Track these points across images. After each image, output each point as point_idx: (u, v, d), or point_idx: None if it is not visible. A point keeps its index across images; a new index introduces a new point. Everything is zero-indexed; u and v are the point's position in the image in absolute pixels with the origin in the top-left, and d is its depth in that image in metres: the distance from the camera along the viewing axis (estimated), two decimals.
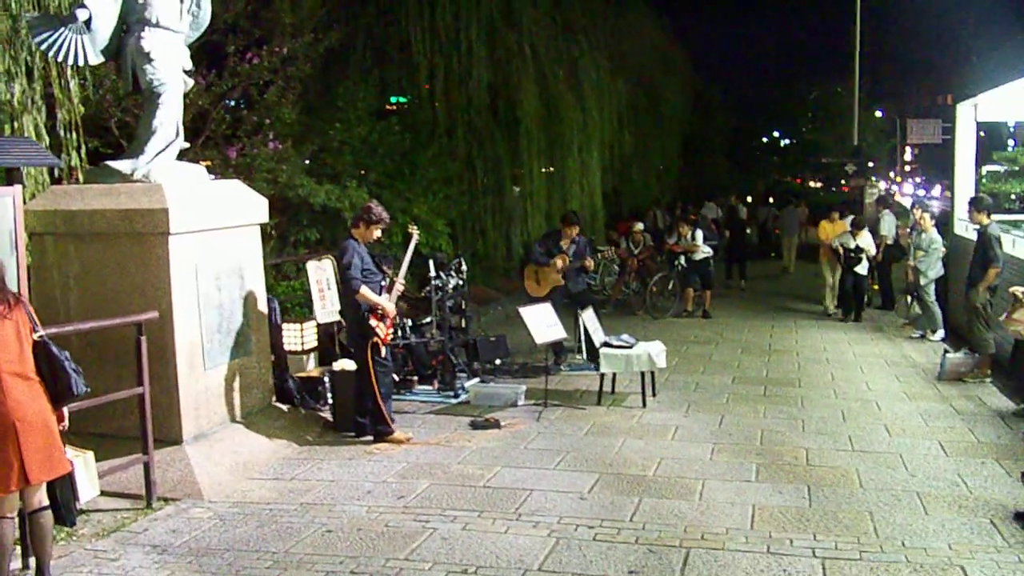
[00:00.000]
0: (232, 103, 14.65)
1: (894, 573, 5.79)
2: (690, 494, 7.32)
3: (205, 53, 13.54)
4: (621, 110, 23.64)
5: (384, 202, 15.29)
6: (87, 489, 6.50)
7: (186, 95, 12.71)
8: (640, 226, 19.90)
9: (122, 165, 8.23)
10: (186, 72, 8.65)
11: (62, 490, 6.13)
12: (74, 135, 9.98)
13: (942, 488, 7.46)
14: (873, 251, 16.75)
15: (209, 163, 13.59)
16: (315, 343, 11.17)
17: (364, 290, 8.67)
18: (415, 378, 11.22)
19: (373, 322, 8.70)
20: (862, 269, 16.57)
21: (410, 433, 9.06)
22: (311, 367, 11.03)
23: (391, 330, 9.02)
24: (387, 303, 8.87)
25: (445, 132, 18.51)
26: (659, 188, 31.45)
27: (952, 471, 7.89)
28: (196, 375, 8.06)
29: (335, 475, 7.89)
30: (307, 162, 15.39)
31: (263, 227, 13.50)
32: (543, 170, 19.77)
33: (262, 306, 9.11)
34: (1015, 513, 6.77)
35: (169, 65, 8.29)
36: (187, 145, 8.76)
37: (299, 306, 12.72)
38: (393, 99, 19.03)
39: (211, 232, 8.31)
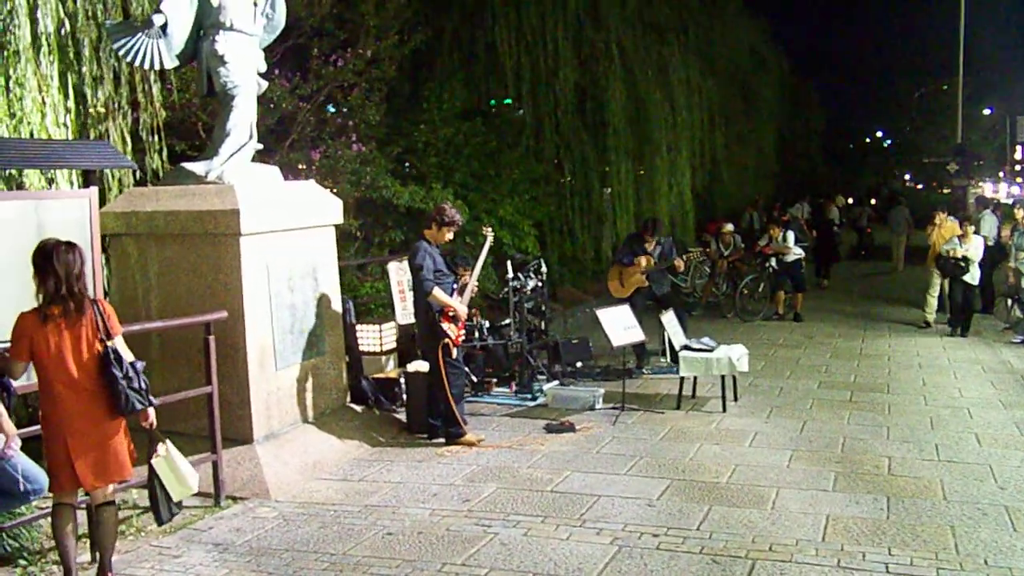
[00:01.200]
0: (317, 106, 14.75)
1: None
2: (762, 503, 7.09)
3: (290, 56, 13.70)
4: (712, 110, 23.30)
5: (469, 203, 15.39)
6: (176, 488, 6.39)
7: (271, 98, 12.99)
8: (730, 227, 19.53)
9: (196, 167, 8.34)
10: (260, 75, 8.68)
11: (151, 492, 6.09)
12: (156, 138, 10.11)
13: None
14: (980, 256, 14.83)
15: (296, 166, 13.76)
16: (394, 344, 11.18)
17: (436, 291, 8.63)
18: (493, 380, 11.14)
19: (444, 324, 8.65)
20: (972, 279, 14.75)
21: (483, 435, 8.98)
22: (390, 368, 11.03)
23: (463, 332, 8.95)
24: (459, 304, 8.82)
25: (532, 133, 18.42)
26: (754, 189, 30.94)
27: None
28: (267, 375, 8.09)
29: (403, 477, 7.85)
30: (392, 164, 15.42)
31: (347, 228, 13.73)
32: (631, 170, 19.53)
33: (336, 307, 9.12)
34: None
35: (243, 68, 8.35)
36: (260, 147, 8.80)
37: (382, 307, 12.75)
38: (492, 102, 18.94)
39: (283, 233, 8.34)
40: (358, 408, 9.42)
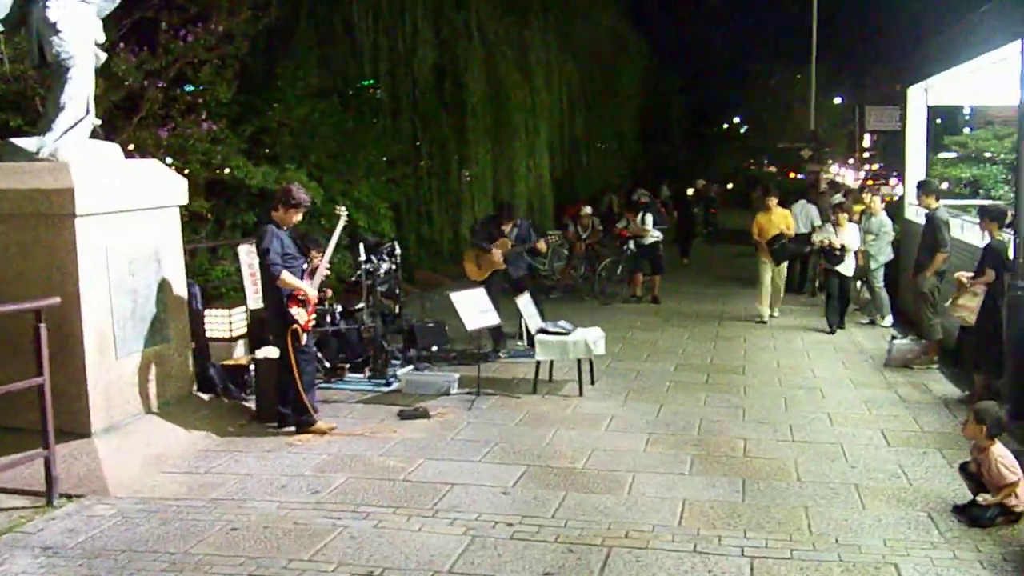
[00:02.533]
0: (168, 82, 14.19)
1: (825, 573, 5.56)
2: (619, 488, 7.05)
3: (138, 30, 13.15)
4: (573, 92, 23.27)
5: (324, 185, 15.09)
6: None
7: (116, 72, 12.42)
8: (588, 210, 19.63)
9: (27, 143, 7.83)
10: (99, 46, 8.21)
11: None
12: None
13: (882, 480, 7.26)
14: (857, 246, 14.21)
15: (141, 144, 13.21)
16: (244, 330, 10.84)
17: (285, 275, 8.32)
18: (347, 366, 10.88)
19: (293, 309, 8.35)
20: (847, 269, 14.11)
21: (334, 423, 8.73)
22: (240, 354, 10.68)
23: (313, 316, 8.67)
24: (309, 287, 8.52)
25: (389, 113, 18.13)
26: (615, 172, 31.20)
27: (893, 462, 7.70)
28: (107, 364, 7.68)
29: (251, 468, 7.56)
30: (245, 144, 14.96)
31: (198, 210, 13.28)
32: (490, 152, 19.40)
33: (181, 291, 8.73)
34: (953, 506, 6.58)
35: (78, 38, 7.85)
36: (99, 122, 8.32)
37: (234, 291, 12.37)
38: (348, 84, 18.52)
39: (124, 214, 7.93)
40: (206, 397, 9.06)
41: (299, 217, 8.67)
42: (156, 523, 6.37)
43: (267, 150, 15.59)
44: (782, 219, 15.35)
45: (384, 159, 17.67)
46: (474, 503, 6.69)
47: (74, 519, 6.51)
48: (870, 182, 33.11)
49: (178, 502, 6.79)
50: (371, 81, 18.38)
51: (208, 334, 10.26)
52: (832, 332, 13.91)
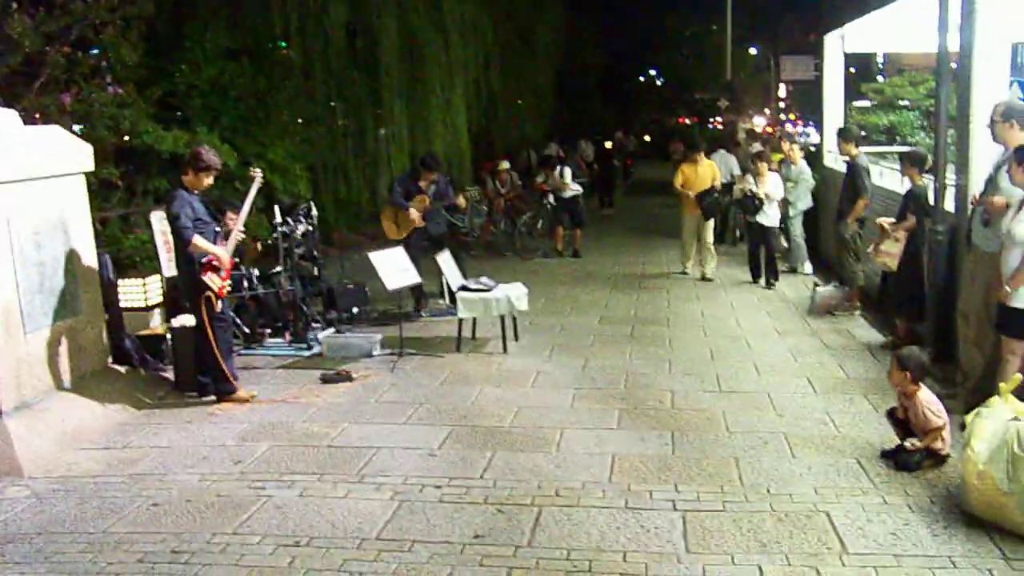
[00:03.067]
0: (69, 45, 13.70)
1: (757, 524, 5.56)
2: (547, 445, 7.02)
3: None
4: (488, 47, 23.06)
5: (237, 147, 14.76)
6: None
7: (11, 36, 11.93)
8: (505, 164, 19.54)
9: None
10: None
11: None
12: None
13: (810, 428, 7.31)
14: (780, 194, 13.84)
15: (43, 111, 12.77)
16: (160, 299, 10.56)
17: (197, 239, 8.10)
18: (267, 331, 10.70)
19: (206, 276, 8.13)
20: (768, 220, 13.68)
21: (255, 391, 8.57)
22: (156, 324, 10.43)
23: (227, 282, 8.46)
24: (222, 252, 8.31)
25: (301, 73, 17.75)
26: (532, 127, 31.07)
27: (821, 410, 7.77)
28: (15, 341, 7.41)
29: (171, 441, 7.39)
30: (154, 108, 14.54)
31: (108, 177, 12.89)
32: (405, 110, 19.14)
33: (91, 262, 8.48)
34: (881, 451, 6.66)
35: None
36: None
37: (148, 259, 12.04)
38: (280, 44, 18.05)
39: (25, 183, 7.62)
40: (122, 369, 8.82)
41: (210, 180, 8.43)
42: (73, 503, 6.18)
43: (177, 113, 15.18)
44: (709, 170, 14.86)
45: (299, 120, 17.32)
46: (400, 467, 6.61)
47: None
48: (769, 129, 33.33)
49: (96, 479, 6.60)
50: (283, 44, 17.97)
51: (123, 304, 9.98)
52: (759, 284, 13.74)
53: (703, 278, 14.43)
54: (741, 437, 7.15)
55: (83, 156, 8.48)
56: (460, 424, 7.57)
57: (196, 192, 8.34)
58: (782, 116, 48.98)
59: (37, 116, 11.73)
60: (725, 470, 6.47)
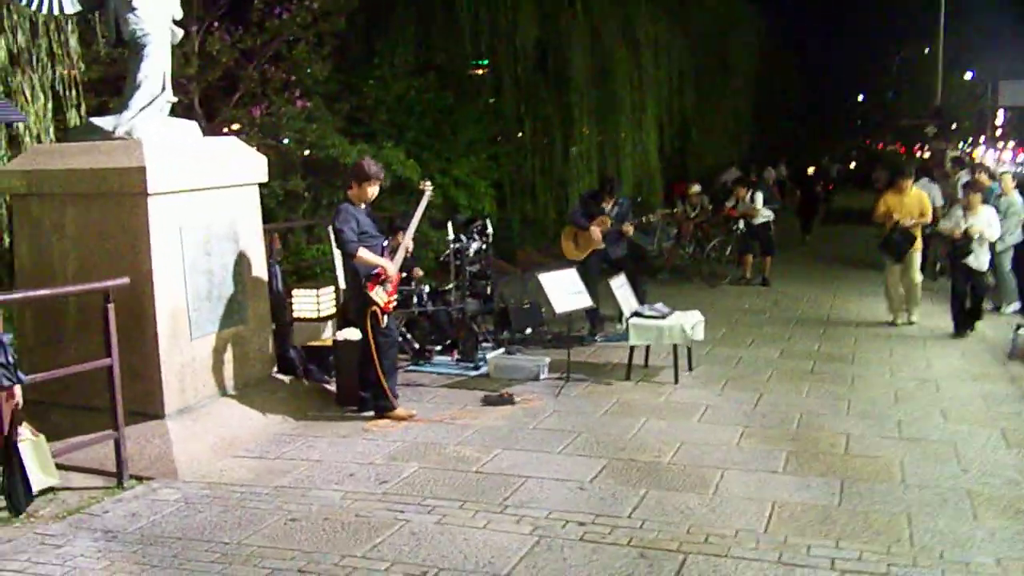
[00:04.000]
0: (264, 61, 14.15)
1: None
2: (704, 486, 6.59)
3: (233, 9, 13.12)
4: (682, 69, 22.68)
5: (422, 162, 14.85)
6: (38, 477, 6.10)
7: (210, 52, 12.39)
8: (696, 188, 19.01)
9: (104, 122, 7.75)
10: (175, 22, 8.06)
11: (10, 477, 5.82)
12: (73, 92, 9.54)
13: (997, 487, 6.56)
14: (996, 233, 11.97)
15: (238, 124, 13.21)
16: (333, 310, 10.64)
17: (362, 252, 8.03)
18: (436, 348, 10.60)
19: (372, 290, 8.03)
20: (978, 262, 11.83)
21: (414, 409, 8.45)
22: (327, 335, 10.50)
23: (394, 298, 8.37)
24: (389, 265, 8.22)
25: (491, 90, 17.83)
26: (728, 150, 30.38)
27: (1012, 467, 6.99)
28: (181, 345, 7.54)
29: (323, 454, 7.34)
30: (342, 122, 14.85)
31: (295, 189, 13.21)
32: (594, 130, 18.96)
33: (260, 271, 8.56)
34: None
35: (154, 14, 7.74)
36: (175, 100, 8.17)
37: (328, 270, 12.22)
38: (474, 62, 18.27)
39: (199, 192, 7.77)
40: (285, 379, 8.87)
41: (375, 191, 8.35)
42: (216, 510, 6.18)
43: (364, 128, 15.42)
44: (917, 201, 12.79)
45: (485, 137, 17.36)
46: (547, 499, 6.32)
47: (139, 502, 6.38)
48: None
49: (242, 488, 6.59)
50: (484, 61, 18.10)
51: (296, 314, 10.12)
52: (960, 335, 11.89)
53: (909, 323, 12.87)
54: (917, 491, 6.49)
55: (258, 167, 8.58)
56: (617, 457, 7.22)
57: (363, 205, 8.29)
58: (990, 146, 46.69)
59: (226, 130, 12.10)
60: (895, 528, 5.85)
